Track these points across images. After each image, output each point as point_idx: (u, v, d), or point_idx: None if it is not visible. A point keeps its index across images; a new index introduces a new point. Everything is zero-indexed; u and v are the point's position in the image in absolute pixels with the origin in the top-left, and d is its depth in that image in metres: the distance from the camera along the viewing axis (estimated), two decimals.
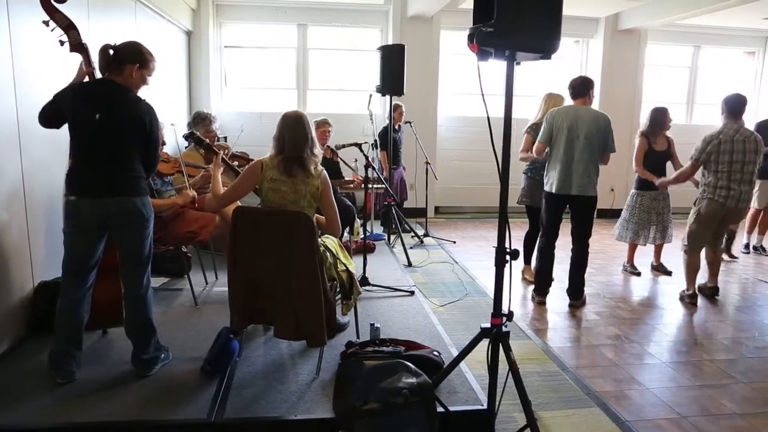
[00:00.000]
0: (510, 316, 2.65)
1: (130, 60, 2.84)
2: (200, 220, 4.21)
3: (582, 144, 4.53)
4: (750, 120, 7.51)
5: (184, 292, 4.38)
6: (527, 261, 5.64)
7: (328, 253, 3.16)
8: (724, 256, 6.33)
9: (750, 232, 6.87)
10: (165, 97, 6.39)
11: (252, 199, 3.32)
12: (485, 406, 2.75)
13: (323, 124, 5.61)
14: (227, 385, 2.93)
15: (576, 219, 4.80)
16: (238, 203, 3.14)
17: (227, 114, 8.11)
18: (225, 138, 7.08)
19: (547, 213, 4.80)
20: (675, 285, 5.64)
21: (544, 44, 2.30)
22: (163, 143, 3.23)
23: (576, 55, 9.31)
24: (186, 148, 4.99)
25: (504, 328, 2.65)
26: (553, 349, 3.90)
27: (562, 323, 4.46)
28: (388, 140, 6.51)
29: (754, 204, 6.67)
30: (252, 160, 4.99)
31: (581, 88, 4.70)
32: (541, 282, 4.86)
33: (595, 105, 8.89)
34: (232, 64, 8.56)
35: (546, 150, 4.71)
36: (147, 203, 2.94)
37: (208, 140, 4.12)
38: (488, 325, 2.67)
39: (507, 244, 2.61)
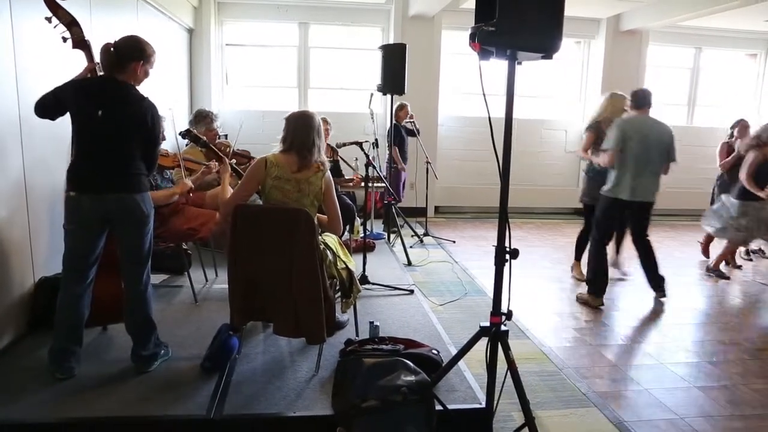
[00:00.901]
0: (509, 315, 2.65)
1: (133, 57, 2.85)
2: (200, 217, 4.21)
3: (652, 155, 4.70)
4: (753, 122, 7.52)
5: (184, 289, 4.39)
6: (578, 258, 5.75)
7: (328, 251, 3.16)
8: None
9: None
10: (166, 94, 6.40)
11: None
12: (483, 405, 2.76)
13: (323, 123, 5.62)
14: (226, 382, 2.93)
15: (636, 221, 5.00)
16: None
17: (228, 112, 8.11)
18: (226, 136, 7.09)
19: (606, 216, 4.91)
20: (679, 284, 5.66)
21: (545, 44, 2.31)
22: (163, 138, 3.23)
23: (577, 56, 9.31)
24: (186, 145, 4.99)
25: (503, 327, 2.65)
26: (552, 349, 3.91)
27: (562, 323, 4.47)
28: (388, 138, 6.53)
29: None
30: (253, 158, 5.01)
31: (644, 99, 4.82)
32: (602, 284, 4.90)
33: (596, 106, 8.96)
34: (233, 62, 8.57)
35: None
36: (147, 200, 2.95)
37: (205, 138, 4.12)
38: (487, 323, 2.68)
39: (507, 244, 2.60)
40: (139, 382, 2.92)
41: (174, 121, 3.87)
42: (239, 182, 3.16)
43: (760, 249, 6.86)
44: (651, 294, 5.20)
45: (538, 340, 4.05)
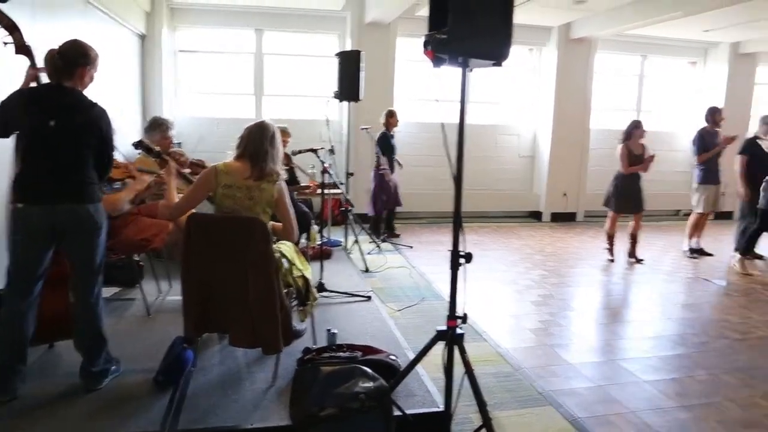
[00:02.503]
0: (464, 318, 2.69)
1: (78, 63, 2.78)
2: (153, 227, 4.11)
3: None
4: (691, 128, 7.84)
5: (137, 302, 4.27)
6: (745, 253, 6.39)
7: (283, 260, 3.14)
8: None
9: (691, 236, 7.13)
10: (116, 102, 6.24)
11: (205, 206, 3.27)
12: (442, 408, 2.78)
13: (283, 135, 5.57)
14: (181, 396, 2.87)
15: None
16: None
17: (182, 120, 7.96)
18: (179, 144, 6.96)
19: None
20: (630, 283, 5.85)
21: (496, 51, 2.36)
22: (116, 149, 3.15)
23: (530, 63, 9.52)
24: (139, 154, 4.87)
25: (459, 331, 2.68)
26: (509, 350, 3.97)
27: (517, 325, 4.55)
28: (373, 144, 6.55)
29: (696, 208, 6.95)
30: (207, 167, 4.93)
31: None
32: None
33: (549, 112, 9.21)
34: (187, 68, 8.43)
35: None
36: (100, 210, 2.87)
37: (158, 148, 4.03)
38: (444, 327, 2.70)
39: (461, 248, 2.64)
40: (88, 399, 2.83)
41: (121, 129, 3.77)
42: (188, 190, 3.11)
43: (699, 248, 7.12)
44: (602, 292, 5.35)
45: (495, 342, 4.11)
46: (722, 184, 6.96)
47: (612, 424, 3.01)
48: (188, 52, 8.37)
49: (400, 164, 7.59)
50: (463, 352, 2.66)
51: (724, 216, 9.52)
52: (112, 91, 6.10)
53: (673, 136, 9.73)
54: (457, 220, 2.64)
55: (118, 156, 3.85)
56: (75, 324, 2.92)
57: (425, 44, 2.38)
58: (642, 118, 6.85)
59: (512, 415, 3.06)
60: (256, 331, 2.86)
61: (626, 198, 6.45)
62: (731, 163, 6.90)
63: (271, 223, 3.12)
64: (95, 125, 2.77)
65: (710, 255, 7.07)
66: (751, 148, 6.75)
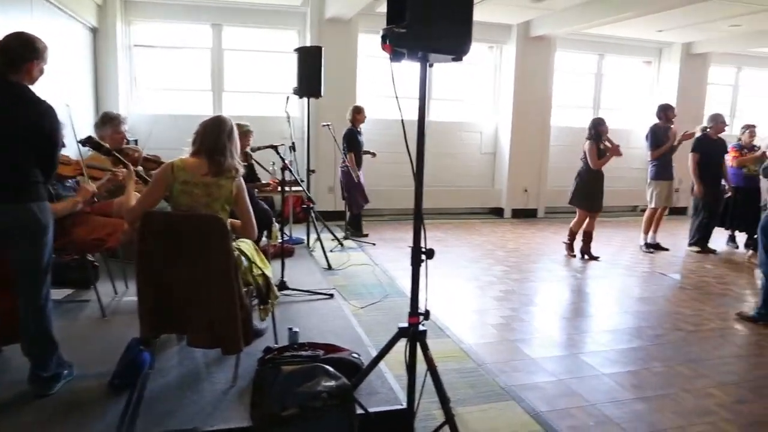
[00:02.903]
0: (426, 314, 2.68)
1: (26, 57, 2.66)
2: (108, 226, 3.98)
3: None
4: (644, 125, 8.04)
5: (91, 303, 4.13)
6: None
7: (242, 258, 3.07)
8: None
9: (646, 231, 7.31)
10: (67, 98, 6.02)
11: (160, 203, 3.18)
12: (405, 406, 2.77)
13: (246, 134, 5.45)
14: (137, 399, 2.78)
15: None
16: None
17: (138, 116, 7.76)
18: (135, 141, 6.77)
19: None
20: (589, 278, 5.95)
21: (455, 46, 2.35)
22: (63, 145, 3.03)
23: (491, 60, 9.60)
24: (89, 151, 4.71)
25: (421, 327, 2.67)
26: (471, 346, 3.99)
27: (479, 320, 4.58)
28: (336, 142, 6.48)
29: (651, 204, 7.14)
30: (163, 163, 4.80)
31: None
32: None
33: (509, 108, 9.32)
34: (142, 64, 8.20)
35: None
36: (45, 209, 2.75)
37: (108, 145, 3.91)
38: (405, 324, 2.69)
39: (423, 244, 2.63)
40: (38, 406, 2.72)
41: (73, 125, 3.63)
42: (145, 189, 3.02)
43: (656, 243, 7.31)
44: (563, 288, 5.43)
45: (457, 338, 4.13)
46: (676, 180, 7.16)
47: (573, 417, 3.05)
48: (143, 46, 8.15)
49: (373, 154, 7.56)
50: (425, 348, 2.65)
51: (679, 211, 9.82)
52: (62, 87, 5.88)
53: (630, 134, 9.96)
54: (418, 217, 2.63)
55: (67, 153, 3.72)
56: (21, 327, 2.79)
57: (383, 38, 2.35)
58: (601, 116, 6.98)
59: (475, 410, 3.07)
60: (215, 331, 2.80)
61: (596, 195, 6.55)
62: (685, 160, 7.12)
63: (230, 220, 3.05)
64: (40, 123, 2.65)
65: (666, 250, 7.27)
66: (701, 146, 6.97)
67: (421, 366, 2.68)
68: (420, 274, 2.66)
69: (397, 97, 2.46)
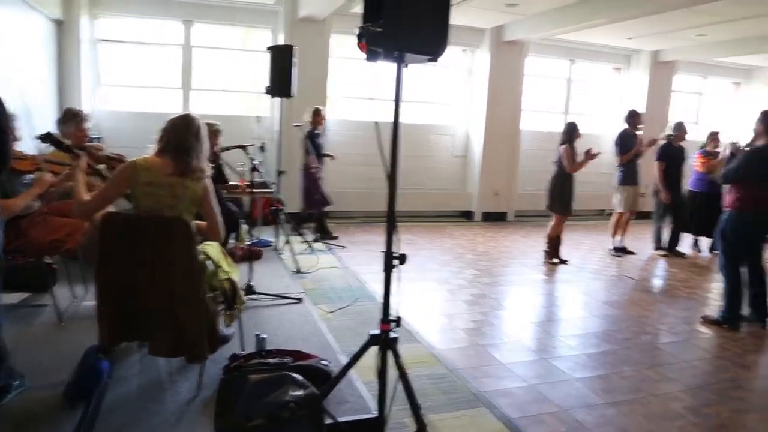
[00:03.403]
0: (398, 321, 2.62)
1: None
2: (66, 227, 3.82)
3: None
4: (612, 130, 8.15)
5: (48, 308, 3.96)
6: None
7: (208, 262, 2.97)
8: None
9: (614, 235, 7.40)
10: (28, 92, 5.79)
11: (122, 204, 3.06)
12: (376, 414, 2.71)
13: (215, 133, 5.30)
14: (94, 411, 2.66)
15: None
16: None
17: (102, 113, 7.53)
18: (99, 139, 6.56)
19: None
20: (559, 282, 5.97)
21: (432, 46, 2.30)
22: (15, 138, 2.87)
23: (464, 64, 9.62)
24: (47, 147, 4.52)
25: (392, 334, 2.61)
26: (442, 351, 3.94)
27: (450, 325, 4.54)
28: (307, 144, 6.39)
29: (617, 208, 7.23)
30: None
31: None
32: None
33: (481, 112, 9.34)
34: (108, 59, 7.95)
35: None
36: None
37: (69, 141, 3.74)
38: (377, 331, 2.63)
39: (395, 249, 2.57)
40: None
41: (32, 119, 3.47)
42: (103, 185, 2.89)
43: (623, 246, 7.40)
44: (533, 292, 5.44)
45: (428, 343, 4.07)
46: (641, 185, 7.26)
47: (544, 423, 3.02)
48: (110, 41, 7.91)
49: (331, 157, 7.44)
50: (397, 356, 2.59)
51: (645, 216, 9.97)
52: (22, 80, 5.66)
53: (599, 138, 10.06)
54: (390, 220, 2.57)
55: (26, 149, 3.55)
56: None
57: (359, 36, 2.29)
58: (571, 121, 7.03)
59: (447, 417, 3.02)
60: (179, 339, 2.69)
61: (569, 199, 6.59)
62: (650, 166, 7.23)
63: (196, 222, 2.94)
64: None
65: (633, 253, 7.36)
66: (666, 153, 7.10)
67: (391, 371, 2.62)
68: (391, 280, 2.60)
69: (372, 99, 2.39)
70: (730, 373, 3.85)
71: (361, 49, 2.33)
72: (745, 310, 4.74)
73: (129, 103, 8.02)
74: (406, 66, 2.47)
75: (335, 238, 7.31)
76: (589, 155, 6.40)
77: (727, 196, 4.75)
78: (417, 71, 8.86)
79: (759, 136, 4.65)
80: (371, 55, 2.36)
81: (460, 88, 9.69)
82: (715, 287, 6.05)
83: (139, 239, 2.66)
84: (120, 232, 2.67)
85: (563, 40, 9.55)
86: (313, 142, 6.99)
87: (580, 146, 6.55)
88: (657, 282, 6.34)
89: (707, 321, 4.82)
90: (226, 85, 8.43)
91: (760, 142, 4.62)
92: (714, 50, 9.58)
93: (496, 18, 8.46)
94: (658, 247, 7.52)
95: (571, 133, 6.48)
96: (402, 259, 2.56)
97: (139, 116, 7.47)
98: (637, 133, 7.13)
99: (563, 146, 6.47)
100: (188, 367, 3.09)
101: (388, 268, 2.59)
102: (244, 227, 5.30)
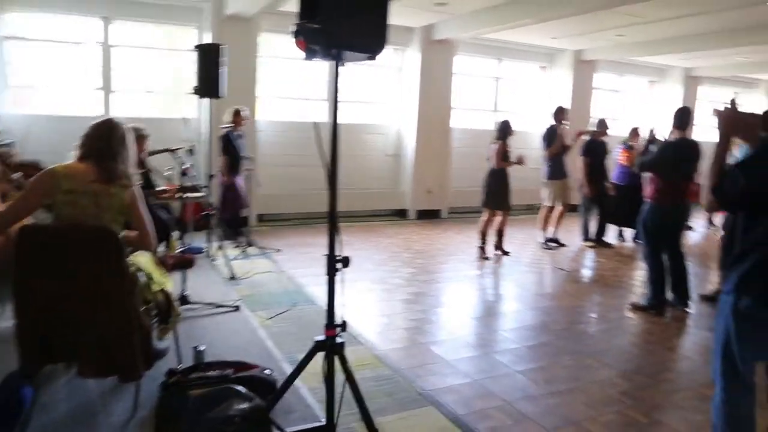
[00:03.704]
0: (343, 326, 2.57)
1: None
2: None
3: None
4: (539, 127, 8.41)
5: None
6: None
7: (139, 273, 2.80)
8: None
9: (544, 228, 7.63)
10: None
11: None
12: (324, 422, 2.64)
13: (141, 138, 5.01)
14: None
15: None
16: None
17: (13, 116, 7.01)
18: (11, 144, 6.11)
19: None
20: (495, 276, 6.08)
21: (371, 43, 2.25)
22: None
23: (394, 63, 9.64)
24: None
25: (338, 340, 2.56)
26: (385, 352, 3.91)
27: (391, 324, 4.52)
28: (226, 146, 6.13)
29: (546, 202, 7.46)
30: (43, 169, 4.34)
31: None
32: None
33: (412, 110, 9.40)
34: (16, 58, 7.41)
35: None
36: None
37: None
38: (322, 337, 2.56)
39: (338, 252, 2.51)
40: None
41: None
42: (18, 195, 2.68)
43: (556, 239, 7.65)
44: (470, 287, 5.51)
45: (370, 345, 4.04)
46: (569, 179, 7.52)
47: (491, 418, 3.05)
48: (18, 39, 7.38)
49: (249, 160, 7.09)
50: (344, 361, 2.54)
51: (574, 209, 10.35)
52: None
53: (527, 135, 10.37)
54: (332, 222, 2.51)
55: None
56: None
57: (296, 33, 2.22)
58: (498, 119, 7.19)
59: (394, 419, 2.99)
60: (110, 358, 2.52)
61: (503, 195, 6.72)
62: (577, 160, 7.51)
63: (125, 231, 2.78)
64: None
65: (564, 246, 7.60)
66: (590, 149, 7.41)
67: (336, 376, 2.56)
68: (335, 284, 2.54)
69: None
70: (659, 356, 4.04)
71: (298, 47, 2.25)
72: (668, 296, 4.99)
73: (43, 105, 7.52)
74: (344, 64, 2.41)
75: (249, 241, 6.94)
76: (519, 161, 6.57)
77: (647, 187, 4.99)
78: (348, 70, 8.81)
79: (674, 131, 4.92)
80: (309, 54, 2.29)
81: (391, 87, 9.71)
82: (640, 275, 6.35)
83: (62, 253, 2.47)
84: (39, 246, 2.47)
85: (491, 40, 9.75)
86: (233, 143, 6.71)
87: (514, 143, 6.72)
88: (587, 272, 6.59)
89: (635, 308, 5.04)
90: (150, 85, 8.07)
91: (675, 136, 4.89)
92: (631, 50, 10.07)
93: (426, 17, 8.53)
94: (586, 239, 7.82)
95: (505, 130, 6.63)
96: (345, 262, 2.51)
97: (55, 120, 7.02)
98: (563, 128, 7.37)
99: (497, 143, 6.61)
100: (122, 387, 2.90)
101: (332, 272, 2.52)
102: (175, 234, 5.06)
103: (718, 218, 9.62)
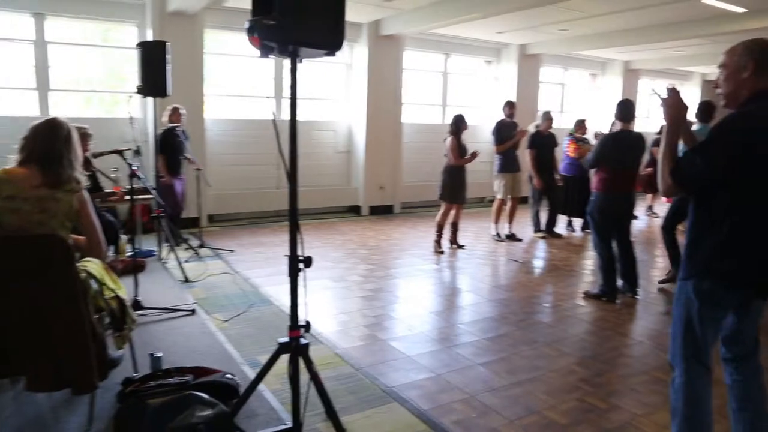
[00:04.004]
0: (308, 326, 2.54)
1: None
2: None
3: None
4: (487, 120, 8.53)
5: None
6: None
7: (91, 280, 2.68)
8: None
9: (496, 221, 7.74)
10: None
11: None
12: (290, 425, 2.60)
13: (84, 137, 4.77)
14: None
15: None
16: None
17: None
18: None
19: None
20: (451, 270, 6.14)
21: (329, 39, 2.22)
22: None
23: (343, 58, 9.57)
24: None
25: (303, 341, 2.52)
26: (346, 350, 3.89)
27: (351, 322, 4.49)
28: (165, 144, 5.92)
29: (498, 195, 7.58)
30: None
31: None
32: None
33: (362, 106, 9.37)
34: None
35: None
36: None
37: None
38: (286, 339, 2.52)
39: (300, 252, 2.47)
40: None
41: None
42: None
43: (512, 233, 7.77)
44: (428, 281, 5.54)
45: (332, 343, 4.01)
46: (521, 172, 7.66)
47: (456, 411, 3.07)
48: None
49: (189, 160, 6.82)
50: (309, 362, 2.50)
51: (524, 201, 10.57)
52: None
53: (475, 129, 10.51)
54: (293, 222, 2.47)
55: None
56: None
57: (250, 30, 2.15)
58: (447, 113, 7.25)
59: (359, 417, 2.98)
60: (61, 370, 2.40)
61: (458, 189, 6.78)
62: (525, 153, 7.66)
63: (73, 237, 2.65)
64: None
65: (516, 238, 7.73)
66: (536, 142, 7.57)
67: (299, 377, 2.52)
68: (297, 285, 2.50)
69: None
70: (614, 342, 4.16)
71: (253, 44, 2.19)
72: (618, 283, 5.15)
73: None
74: (301, 61, 2.37)
75: (185, 240, 6.71)
76: (473, 155, 6.66)
77: (594, 178, 5.14)
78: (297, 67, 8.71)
79: (616, 122, 5.10)
80: (264, 51, 2.24)
81: (340, 83, 9.66)
82: (591, 264, 6.55)
83: (8, 262, 2.33)
84: None
85: (438, 35, 9.83)
86: (166, 141, 6.49)
87: (468, 137, 6.79)
88: (540, 263, 6.73)
89: (588, 296, 5.19)
90: (90, 84, 7.75)
91: (618, 128, 5.06)
92: (574, 44, 10.34)
93: (374, 12, 8.51)
94: (537, 230, 7.99)
95: (458, 124, 6.69)
96: (308, 262, 2.47)
97: None
98: (515, 121, 7.50)
99: (450, 138, 6.67)
100: (75, 399, 2.77)
101: (294, 273, 2.48)
102: (123, 238, 4.88)
103: (658, 206, 10.07)
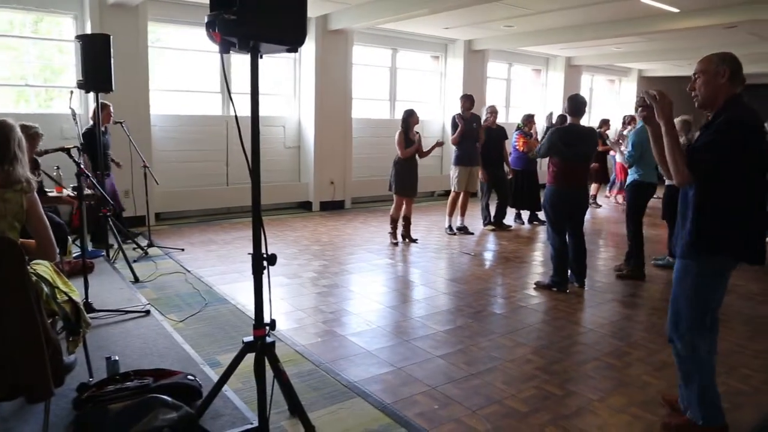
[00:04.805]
0: (273, 324, 2.52)
1: None
2: None
3: None
4: (435, 115, 8.64)
5: None
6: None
7: (42, 284, 2.57)
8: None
9: (451, 214, 7.86)
10: None
11: None
12: (256, 424, 2.58)
13: (35, 136, 4.51)
14: None
15: None
16: None
17: None
18: None
19: None
20: (405, 263, 6.18)
21: (291, 35, 2.20)
22: None
23: (291, 53, 9.44)
24: None
25: (269, 339, 2.50)
26: (306, 347, 3.88)
27: (309, 319, 4.47)
28: (95, 143, 5.66)
29: (454, 188, 7.69)
30: None
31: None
32: None
33: (310, 102, 9.29)
34: None
35: None
36: None
37: None
38: (251, 338, 2.49)
39: (264, 249, 2.45)
40: None
41: None
42: None
43: (464, 226, 7.90)
44: (383, 276, 5.58)
45: (291, 341, 3.98)
46: (477, 167, 7.76)
47: (419, 404, 3.11)
48: None
49: (117, 164, 6.63)
50: (275, 360, 2.48)
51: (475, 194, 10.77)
52: None
53: (424, 123, 10.61)
54: (257, 218, 2.44)
55: None
56: None
57: (210, 25, 2.12)
58: (396, 108, 7.31)
59: (324, 414, 2.98)
60: (13, 378, 2.29)
61: (408, 182, 6.84)
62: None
63: (21, 240, 2.53)
64: None
65: (468, 231, 7.86)
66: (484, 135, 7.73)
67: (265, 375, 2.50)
68: (262, 283, 2.48)
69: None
70: (567, 331, 4.30)
71: (212, 40, 2.15)
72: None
73: None
74: (262, 57, 2.34)
75: (111, 246, 6.17)
76: (438, 144, 6.86)
77: (548, 171, 5.28)
78: (241, 62, 8.55)
79: (566, 116, 5.27)
80: (223, 46, 2.20)
81: (288, 78, 9.55)
82: (540, 255, 6.74)
83: None
84: None
85: (386, 30, 9.85)
86: (97, 140, 6.20)
87: (421, 131, 6.88)
88: (491, 255, 6.87)
89: (539, 286, 5.34)
90: (23, 78, 7.37)
91: (567, 122, 5.23)
92: (519, 40, 10.57)
93: (322, 7, 8.45)
94: (487, 223, 8.15)
95: (406, 119, 6.77)
96: (272, 260, 2.45)
97: None
98: (473, 114, 7.61)
99: (398, 132, 6.75)
100: (27, 408, 2.67)
101: (258, 271, 2.45)
102: (69, 239, 4.69)
103: (600, 197, 10.46)
